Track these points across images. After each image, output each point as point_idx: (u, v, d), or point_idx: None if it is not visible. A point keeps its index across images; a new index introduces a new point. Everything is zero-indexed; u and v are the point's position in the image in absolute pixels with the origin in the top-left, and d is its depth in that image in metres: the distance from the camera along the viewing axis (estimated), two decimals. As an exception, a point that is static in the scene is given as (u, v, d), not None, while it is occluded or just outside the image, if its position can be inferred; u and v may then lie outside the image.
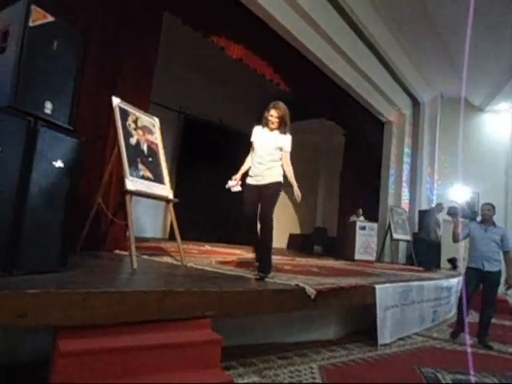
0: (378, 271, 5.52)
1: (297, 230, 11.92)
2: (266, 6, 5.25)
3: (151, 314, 2.09)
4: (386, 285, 3.76)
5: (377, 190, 9.44)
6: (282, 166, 3.23)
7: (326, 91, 7.39)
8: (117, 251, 4.09)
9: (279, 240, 11.30)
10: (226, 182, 3.30)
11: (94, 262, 3.20)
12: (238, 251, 6.73)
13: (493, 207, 4.20)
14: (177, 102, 8.83)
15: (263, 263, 3.18)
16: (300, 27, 5.90)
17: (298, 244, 10.69)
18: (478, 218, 4.45)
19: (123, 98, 3.63)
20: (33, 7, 2.23)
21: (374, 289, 3.55)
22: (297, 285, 2.95)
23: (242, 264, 4.30)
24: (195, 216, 8.70)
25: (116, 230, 4.11)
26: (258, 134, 3.26)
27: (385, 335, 3.57)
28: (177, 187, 8.04)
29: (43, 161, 2.23)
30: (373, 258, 7.94)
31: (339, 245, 8.64)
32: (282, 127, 3.20)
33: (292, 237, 11.35)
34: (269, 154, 3.18)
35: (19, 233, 2.09)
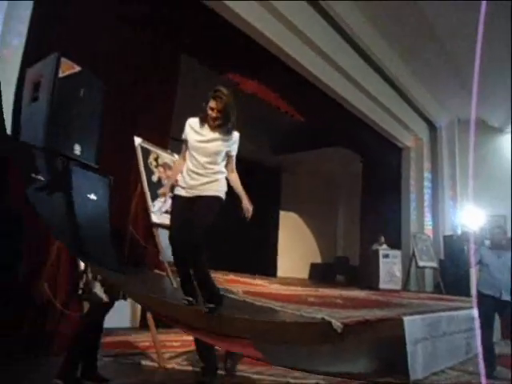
0: (404, 301, 5.33)
1: (318, 259, 11.74)
2: (277, 40, 5.44)
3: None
4: (415, 316, 3.61)
5: (398, 217, 9.28)
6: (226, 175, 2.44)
7: (340, 119, 7.48)
8: (156, 271, 4.08)
9: (300, 270, 11.13)
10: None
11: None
12: (258, 281, 6.68)
13: (504, 231, 4.00)
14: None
15: (209, 292, 2.44)
16: (309, 57, 6.05)
17: (320, 274, 10.51)
18: (487, 242, 4.23)
19: (145, 136, 3.78)
20: (62, 60, 2.41)
21: (401, 321, 3.41)
22: (323, 318, 2.88)
23: (264, 294, 4.24)
24: (211, 247, 8.69)
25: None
26: (194, 133, 2.40)
27: (417, 370, 3.40)
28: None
29: (79, 193, 2.35)
30: (398, 286, 7.69)
31: (362, 274, 8.44)
32: (225, 124, 2.39)
33: (313, 266, 11.19)
34: (210, 163, 2.40)
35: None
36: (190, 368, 3.08)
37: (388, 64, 7.27)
